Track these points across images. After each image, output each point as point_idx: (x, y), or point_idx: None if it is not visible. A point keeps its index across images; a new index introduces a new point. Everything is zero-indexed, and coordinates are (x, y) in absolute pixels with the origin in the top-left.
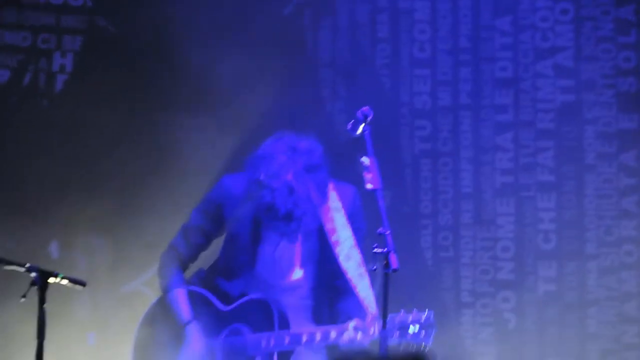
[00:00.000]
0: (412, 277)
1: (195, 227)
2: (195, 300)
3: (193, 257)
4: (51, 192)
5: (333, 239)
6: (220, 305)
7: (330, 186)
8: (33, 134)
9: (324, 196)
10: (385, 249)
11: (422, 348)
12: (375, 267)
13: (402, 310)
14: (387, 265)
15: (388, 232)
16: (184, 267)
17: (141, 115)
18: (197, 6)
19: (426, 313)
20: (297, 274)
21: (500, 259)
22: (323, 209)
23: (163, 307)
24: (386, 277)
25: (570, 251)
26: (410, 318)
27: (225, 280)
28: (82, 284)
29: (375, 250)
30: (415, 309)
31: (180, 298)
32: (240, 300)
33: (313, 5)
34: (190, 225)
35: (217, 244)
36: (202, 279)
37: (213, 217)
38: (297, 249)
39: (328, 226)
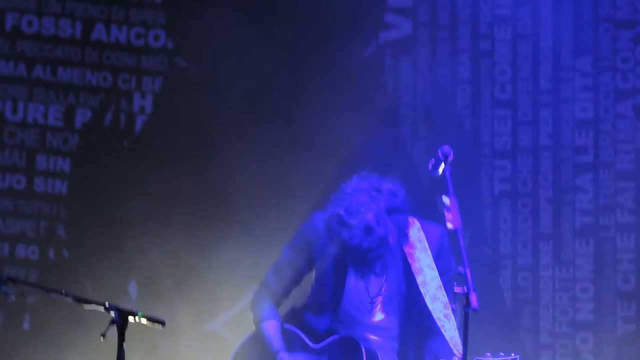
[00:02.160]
0: (491, 317)
1: (286, 263)
2: (288, 336)
3: (285, 293)
4: (130, 231)
5: (419, 279)
6: (309, 343)
7: (417, 225)
8: (113, 173)
9: (404, 238)
10: (465, 289)
11: None
12: (454, 306)
13: (489, 354)
14: (467, 305)
15: (468, 271)
16: (276, 303)
17: (220, 155)
18: (277, 47)
19: (512, 356)
20: (382, 314)
21: (579, 300)
22: (408, 248)
23: (254, 342)
24: (466, 316)
25: None
26: None
27: (314, 316)
28: (162, 323)
29: (455, 289)
30: (501, 352)
31: (272, 329)
32: (331, 338)
33: (393, 46)
34: (281, 261)
35: (309, 281)
36: (293, 317)
37: (303, 252)
38: (383, 287)
39: (415, 266)
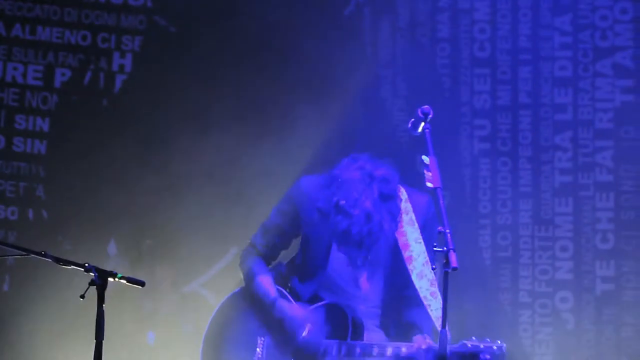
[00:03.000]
0: (470, 276)
1: (274, 226)
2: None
3: (273, 255)
4: (108, 191)
5: (406, 254)
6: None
7: (405, 196)
8: (92, 132)
9: (396, 224)
10: (445, 248)
11: None
12: (434, 266)
13: (474, 337)
14: (446, 264)
15: (448, 230)
16: (265, 262)
17: (199, 117)
18: (261, 8)
19: (498, 343)
20: (367, 284)
21: (558, 259)
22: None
23: (241, 297)
24: (446, 275)
25: (628, 251)
26: (481, 346)
27: (299, 281)
28: (141, 284)
29: (435, 249)
30: (487, 338)
31: (266, 281)
32: (318, 304)
33: (373, 5)
34: (269, 223)
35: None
36: (281, 275)
37: (290, 216)
38: (367, 260)
39: (401, 241)
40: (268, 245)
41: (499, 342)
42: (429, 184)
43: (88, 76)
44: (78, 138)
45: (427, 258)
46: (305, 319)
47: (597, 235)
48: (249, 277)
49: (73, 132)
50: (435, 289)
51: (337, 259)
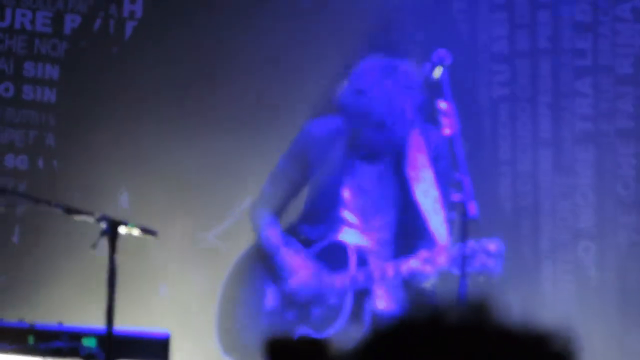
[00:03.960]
0: (490, 226)
1: (282, 173)
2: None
3: (282, 204)
4: (120, 141)
5: (413, 175)
6: (301, 249)
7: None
8: (103, 80)
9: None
10: (463, 197)
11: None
12: (453, 215)
13: (471, 240)
14: (465, 214)
15: (466, 178)
16: (275, 213)
17: (212, 63)
18: None
19: (496, 241)
20: (379, 219)
21: (579, 206)
22: (411, 138)
23: (255, 253)
24: (464, 226)
25: None
26: (478, 247)
27: (308, 225)
28: (154, 233)
29: (453, 197)
30: (484, 238)
31: (274, 234)
32: (320, 244)
33: None
34: (277, 170)
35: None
36: (289, 230)
37: (298, 162)
38: (377, 193)
39: (410, 166)
40: (277, 194)
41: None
42: (446, 131)
43: (98, 23)
44: (88, 86)
45: (434, 181)
46: (297, 267)
47: (619, 181)
48: (256, 231)
49: (83, 80)
50: (440, 207)
51: (350, 192)
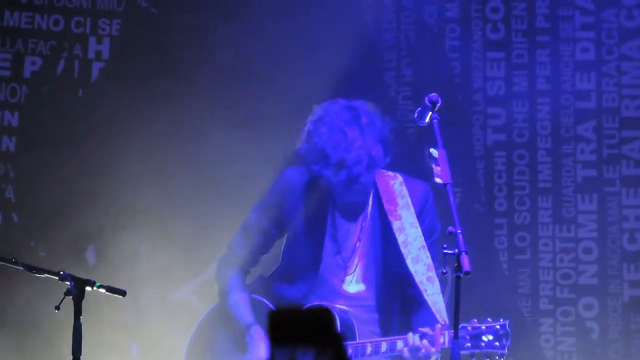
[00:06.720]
0: (485, 281)
1: (256, 224)
2: (256, 307)
3: (252, 260)
4: (86, 191)
5: (400, 239)
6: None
7: (400, 180)
8: (67, 126)
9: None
10: (456, 250)
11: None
12: (445, 270)
13: (475, 320)
14: (458, 268)
15: (459, 231)
16: (243, 270)
17: (181, 107)
18: None
19: (501, 322)
20: (359, 284)
21: (582, 262)
22: (388, 205)
23: (220, 314)
24: (457, 280)
25: None
26: (483, 327)
27: (287, 285)
28: (122, 293)
29: (445, 251)
30: (489, 318)
31: (241, 302)
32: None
33: None
34: (249, 221)
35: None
36: (262, 286)
37: (273, 212)
38: (358, 245)
39: (395, 225)
40: (248, 247)
41: (502, 320)
42: (437, 180)
43: (61, 65)
44: (51, 133)
45: (424, 243)
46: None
47: (624, 235)
48: (222, 294)
49: (45, 127)
50: (433, 273)
51: (328, 253)
